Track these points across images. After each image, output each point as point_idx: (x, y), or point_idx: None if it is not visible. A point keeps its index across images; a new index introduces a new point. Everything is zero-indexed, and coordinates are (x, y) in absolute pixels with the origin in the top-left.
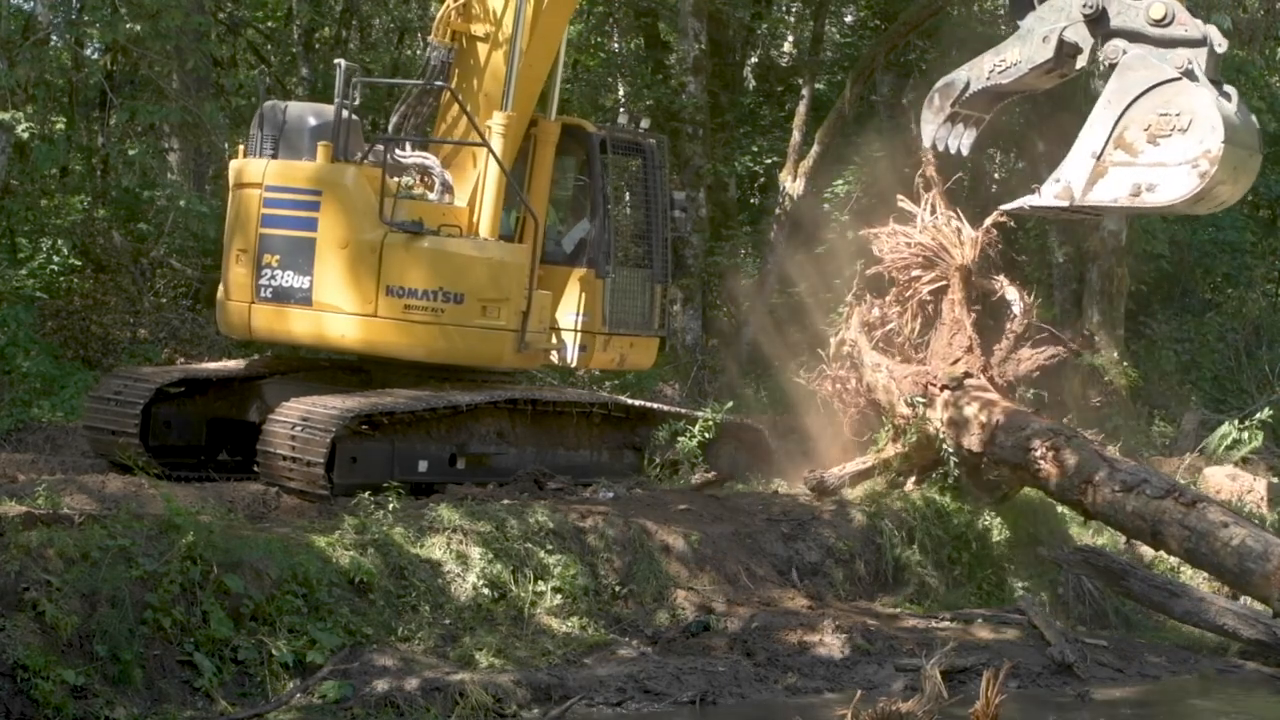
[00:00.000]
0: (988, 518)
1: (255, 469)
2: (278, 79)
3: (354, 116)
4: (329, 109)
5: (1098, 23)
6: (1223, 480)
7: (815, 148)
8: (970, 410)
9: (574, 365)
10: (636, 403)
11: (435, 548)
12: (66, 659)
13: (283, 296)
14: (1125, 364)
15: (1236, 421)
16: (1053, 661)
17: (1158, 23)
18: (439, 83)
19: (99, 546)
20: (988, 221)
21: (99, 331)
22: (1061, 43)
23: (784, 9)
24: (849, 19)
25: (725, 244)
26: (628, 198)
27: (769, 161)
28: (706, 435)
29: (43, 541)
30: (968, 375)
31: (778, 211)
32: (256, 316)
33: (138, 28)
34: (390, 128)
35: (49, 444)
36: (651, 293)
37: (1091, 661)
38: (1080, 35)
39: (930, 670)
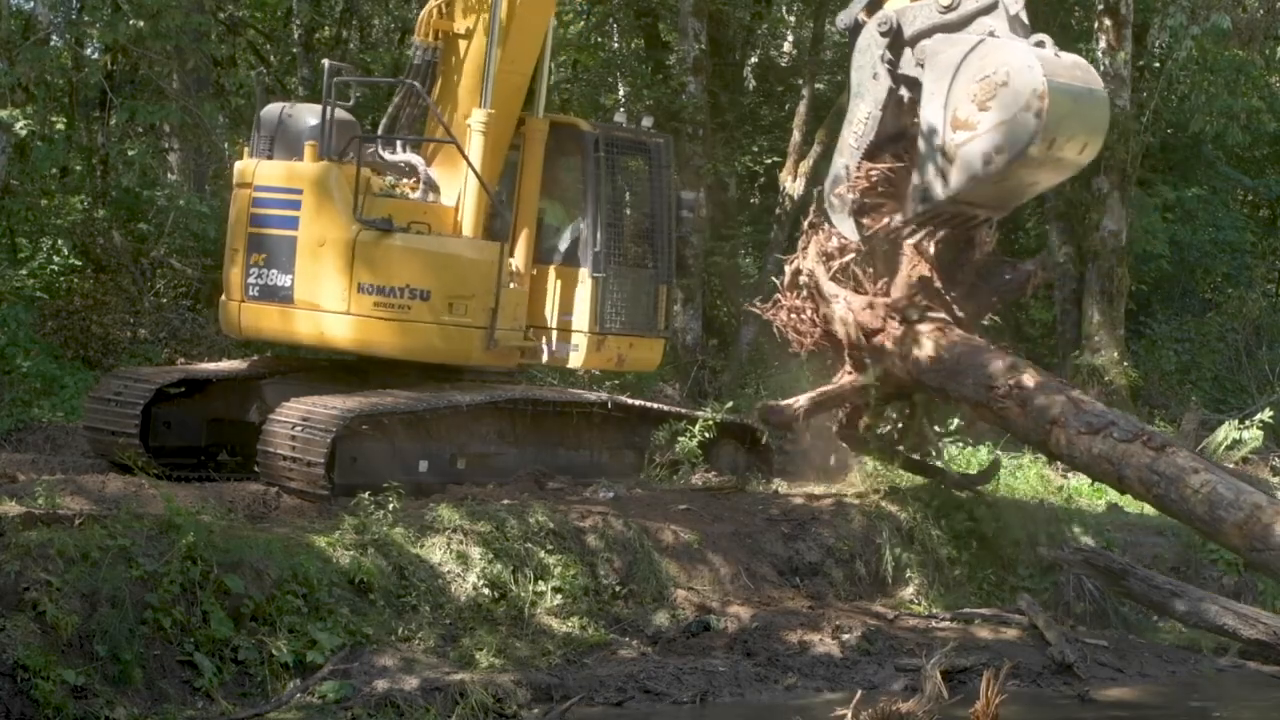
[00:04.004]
0: (987, 516)
1: (255, 469)
2: (278, 79)
3: (351, 116)
4: (339, 112)
5: (899, 36)
6: None
7: (815, 147)
8: (929, 345)
9: (568, 366)
10: (637, 402)
11: (435, 548)
12: (66, 659)
13: (268, 295)
14: (1125, 364)
15: (1237, 421)
16: (1053, 661)
17: (947, 8)
18: (408, 80)
19: (99, 546)
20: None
21: (99, 331)
22: (889, 67)
23: (784, 9)
24: None
25: (725, 244)
26: (628, 197)
27: (769, 161)
28: (707, 435)
29: (43, 541)
30: (928, 308)
31: (778, 211)
32: (245, 315)
33: (140, 24)
34: (381, 127)
35: (49, 444)
36: (655, 293)
37: (1091, 661)
38: (894, 54)
39: (930, 670)
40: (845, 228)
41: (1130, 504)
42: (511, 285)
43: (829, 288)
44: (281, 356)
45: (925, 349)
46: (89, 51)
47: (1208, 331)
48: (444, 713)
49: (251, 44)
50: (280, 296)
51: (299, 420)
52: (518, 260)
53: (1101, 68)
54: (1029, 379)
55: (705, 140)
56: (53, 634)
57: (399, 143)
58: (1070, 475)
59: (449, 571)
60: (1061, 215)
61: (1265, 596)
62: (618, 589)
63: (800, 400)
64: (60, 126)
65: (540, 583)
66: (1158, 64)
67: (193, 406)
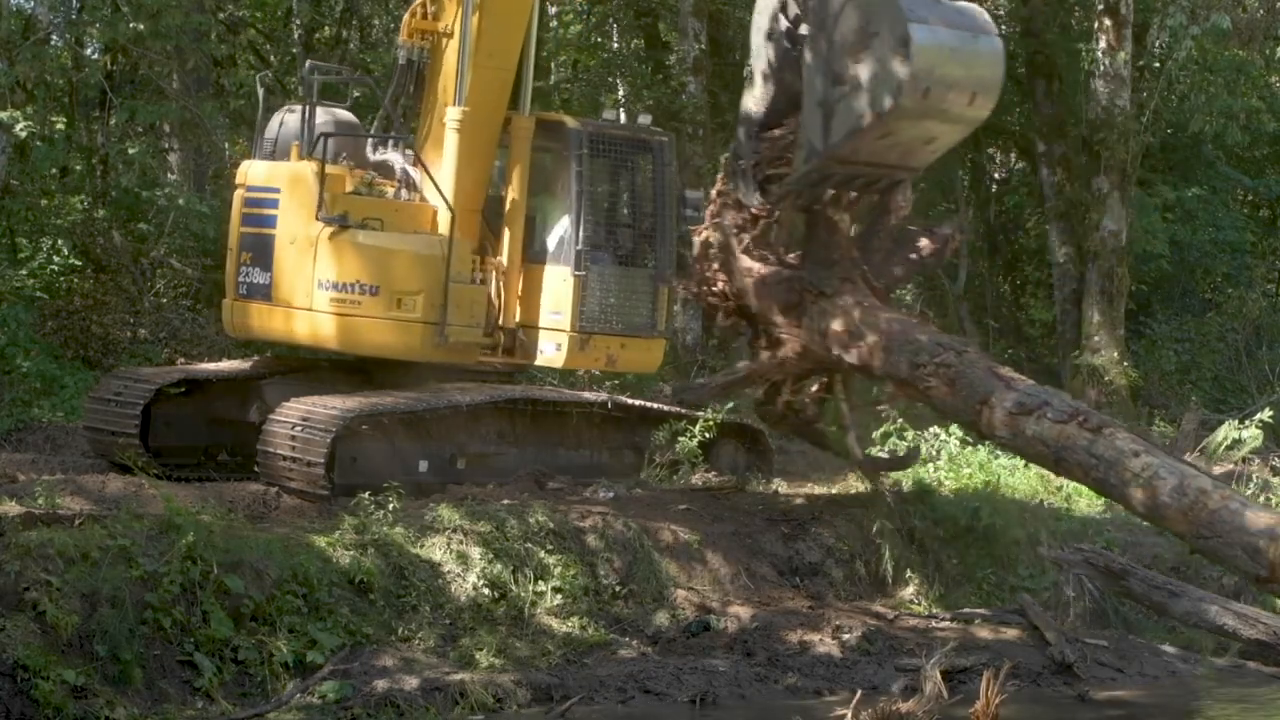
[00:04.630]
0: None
1: (256, 469)
2: (278, 79)
3: (349, 116)
4: (338, 112)
5: None
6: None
7: None
8: (848, 319)
9: (552, 365)
10: (636, 402)
11: (435, 548)
12: (67, 659)
13: (254, 293)
14: (1125, 364)
15: (1237, 421)
16: (1053, 661)
17: None
18: (366, 77)
19: (99, 546)
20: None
21: (99, 331)
22: (783, 25)
23: None
24: None
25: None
26: (626, 196)
27: None
28: (707, 435)
29: (43, 541)
30: (845, 279)
31: None
32: (235, 313)
33: (140, 24)
34: (374, 126)
35: (49, 444)
36: (654, 293)
37: (1091, 661)
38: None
39: (930, 670)
40: (752, 198)
41: None
42: (477, 282)
43: (741, 261)
44: (281, 356)
45: (844, 324)
46: (89, 51)
47: (1208, 331)
48: (444, 712)
49: (251, 44)
50: (262, 294)
51: (299, 420)
52: (505, 258)
53: (1102, 68)
54: (955, 355)
55: (705, 140)
56: (53, 634)
57: (390, 142)
58: None
59: (449, 571)
60: (1061, 215)
61: (1265, 597)
62: (618, 589)
63: (715, 380)
64: (60, 126)
65: (540, 583)
66: (1158, 64)
67: (193, 406)
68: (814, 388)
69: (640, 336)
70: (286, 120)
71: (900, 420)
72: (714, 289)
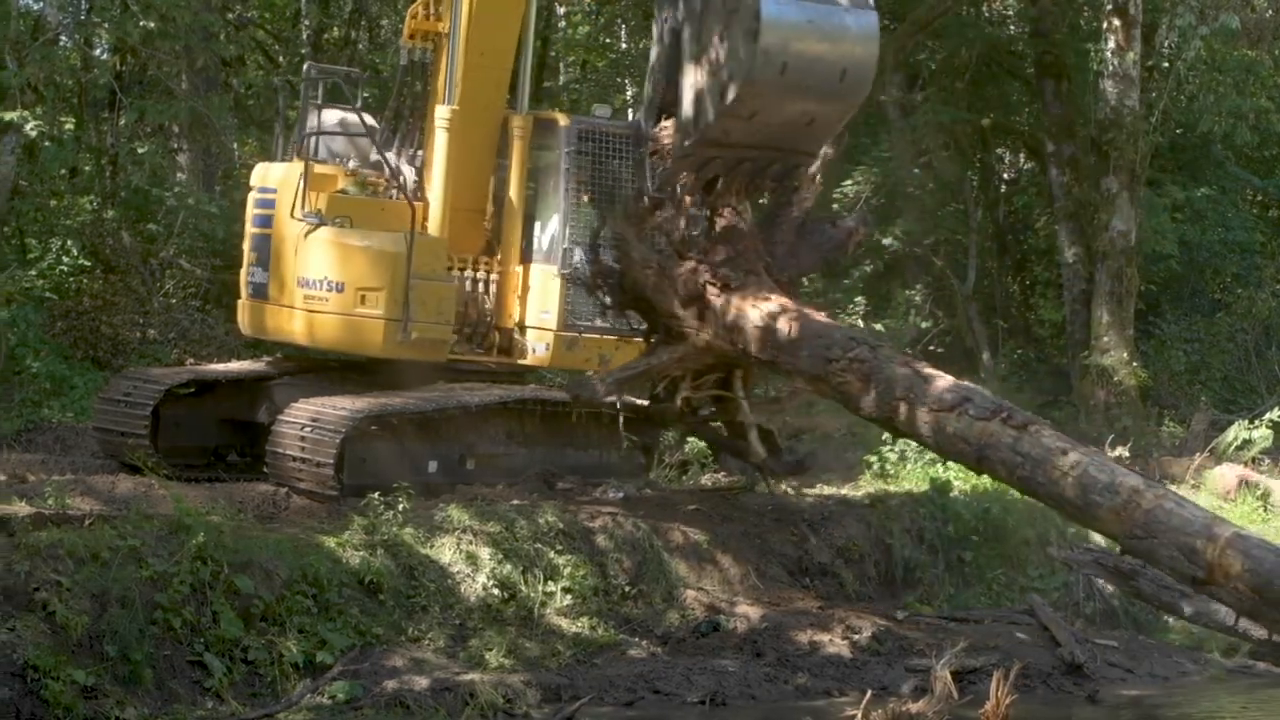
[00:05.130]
0: (999, 515)
1: (265, 470)
2: (287, 80)
3: (353, 115)
4: (349, 113)
5: None
6: (1233, 481)
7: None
8: (755, 314)
9: (541, 365)
10: (645, 402)
11: (445, 548)
12: (76, 659)
13: (257, 292)
14: (1135, 364)
15: (1246, 421)
16: (1063, 662)
17: None
18: (357, 72)
19: (109, 547)
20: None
21: (108, 332)
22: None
23: None
24: None
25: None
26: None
27: None
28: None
29: (53, 542)
30: (749, 271)
31: None
32: (243, 312)
33: (149, 26)
34: (381, 126)
35: (59, 444)
36: None
37: (1101, 662)
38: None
39: (940, 671)
40: (648, 186)
41: None
42: (451, 280)
43: (639, 251)
44: (291, 357)
45: (750, 318)
46: (98, 51)
47: (1217, 332)
48: (454, 713)
49: (260, 44)
50: (262, 293)
51: (308, 421)
52: (502, 257)
53: (1111, 68)
54: (869, 350)
55: None
56: (63, 634)
57: (390, 141)
58: None
59: (458, 572)
60: (1070, 215)
61: None
62: (627, 589)
63: (612, 373)
64: (69, 127)
65: (550, 583)
66: (1166, 64)
67: (202, 407)
68: (712, 384)
69: (638, 338)
70: (304, 123)
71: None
72: (609, 281)
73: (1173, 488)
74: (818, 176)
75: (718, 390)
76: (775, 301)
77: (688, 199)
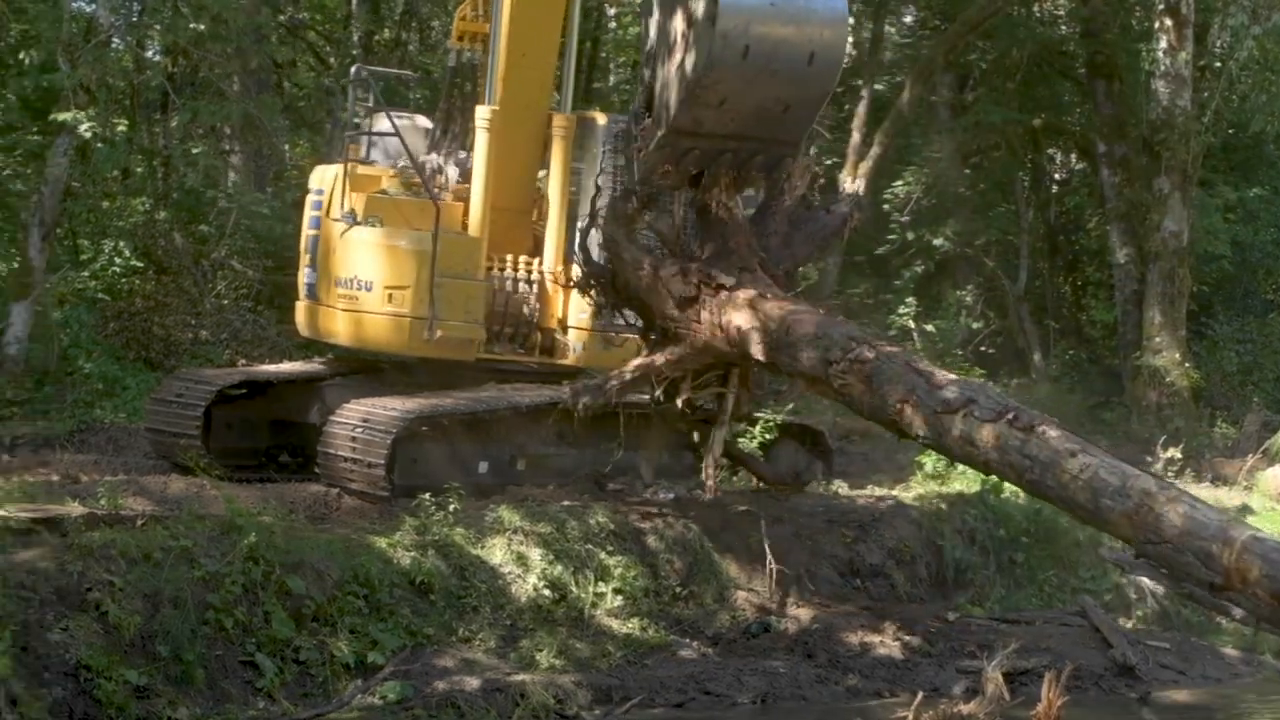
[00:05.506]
0: (1050, 516)
1: (316, 470)
2: (337, 81)
3: (408, 119)
4: (417, 119)
5: None
6: None
7: (875, 149)
8: (751, 313)
9: (579, 365)
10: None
11: (495, 549)
12: (129, 659)
13: (309, 293)
14: (1187, 365)
15: None
16: (1114, 663)
17: None
18: (414, 76)
19: (161, 547)
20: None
21: (160, 333)
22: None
23: None
24: (909, 19)
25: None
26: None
27: (829, 162)
28: (766, 436)
29: (105, 542)
30: (744, 270)
31: None
32: (299, 313)
33: (200, 27)
34: (433, 127)
35: (111, 445)
36: None
37: (1153, 664)
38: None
39: (992, 672)
40: (635, 184)
41: None
42: (483, 279)
43: (630, 253)
44: (342, 358)
45: (746, 318)
46: (150, 53)
47: (1270, 332)
48: (505, 713)
49: (312, 46)
50: (314, 294)
51: (359, 422)
52: (548, 257)
53: (1162, 68)
54: (870, 350)
55: None
56: (115, 634)
57: (440, 142)
58: None
59: (509, 573)
60: (1122, 216)
61: None
62: (678, 590)
63: (612, 378)
64: (122, 128)
65: (600, 584)
66: (1219, 64)
67: (254, 408)
68: (715, 382)
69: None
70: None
71: None
72: (600, 280)
73: (1225, 489)
74: (811, 165)
75: (719, 388)
76: (772, 300)
77: (679, 196)
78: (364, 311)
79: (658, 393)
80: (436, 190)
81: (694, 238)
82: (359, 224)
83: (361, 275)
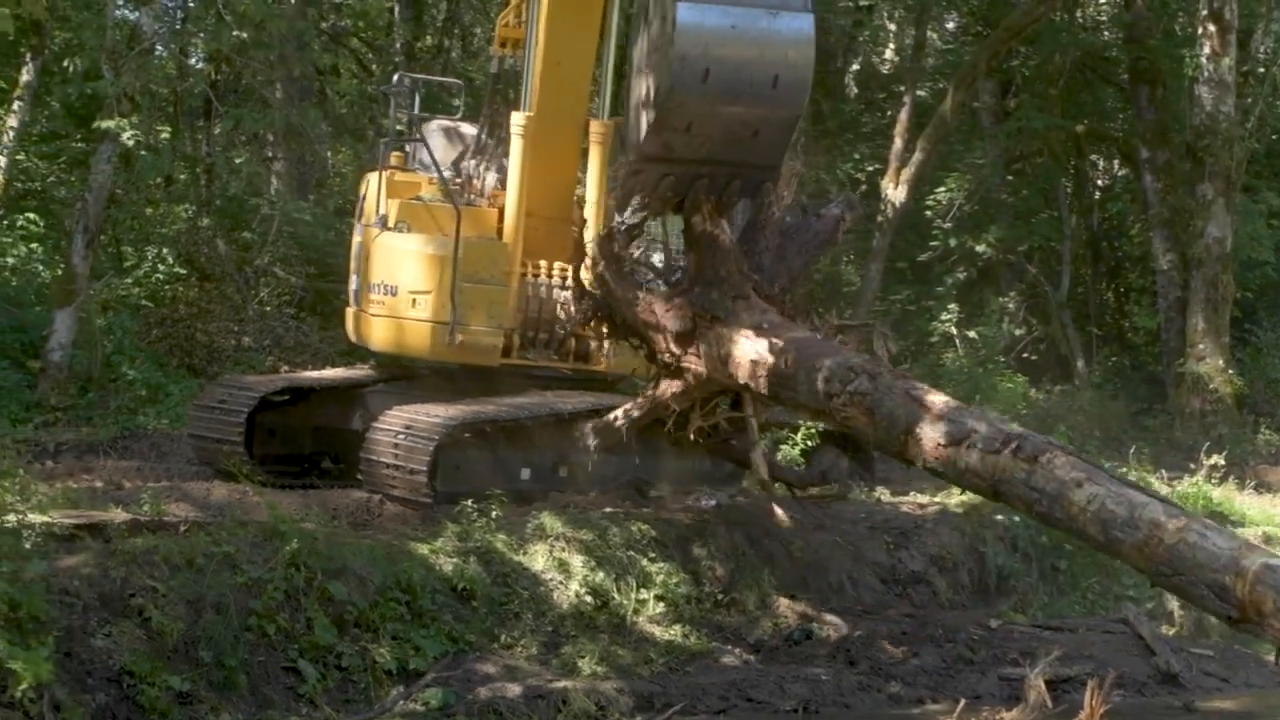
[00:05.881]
0: None
1: (358, 477)
2: (379, 87)
3: (452, 124)
4: (462, 126)
5: None
6: None
7: (917, 155)
8: (747, 346)
9: (606, 371)
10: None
11: (537, 556)
12: (172, 665)
13: (354, 299)
14: (1230, 371)
15: None
16: (1158, 671)
17: None
18: (453, 81)
19: (204, 553)
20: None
21: (204, 339)
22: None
23: (885, 16)
24: (951, 26)
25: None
26: None
27: (871, 169)
28: (808, 443)
29: (149, 548)
30: (738, 298)
31: (880, 219)
32: (347, 320)
33: (243, 35)
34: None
35: (154, 451)
36: None
37: (1197, 671)
38: None
39: (1034, 679)
40: (617, 216)
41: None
42: (504, 285)
43: (622, 289)
44: (385, 364)
45: (744, 350)
46: (193, 61)
47: None
48: None
49: (355, 53)
50: (357, 300)
51: (402, 428)
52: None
53: (1205, 74)
54: (869, 380)
55: (807, 148)
56: (158, 640)
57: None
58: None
59: (551, 579)
60: (1165, 222)
61: None
62: (720, 597)
63: (621, 416)
64: (165, 136)
65: (642, 591)
66: (1262, 69)
67: (296, 414)
68: (727, 407)
69: None
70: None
71: None
72: (601, 314)
73: (1269, 496)
74: (796, 169)
75: (731, 412)
76: (769, 331)
77: (666, 227)
78: (393, 316)
79: (669, 425)
80: (471, 196)
81: (684, 269)
82: (389, 229)
83: (390, 280)
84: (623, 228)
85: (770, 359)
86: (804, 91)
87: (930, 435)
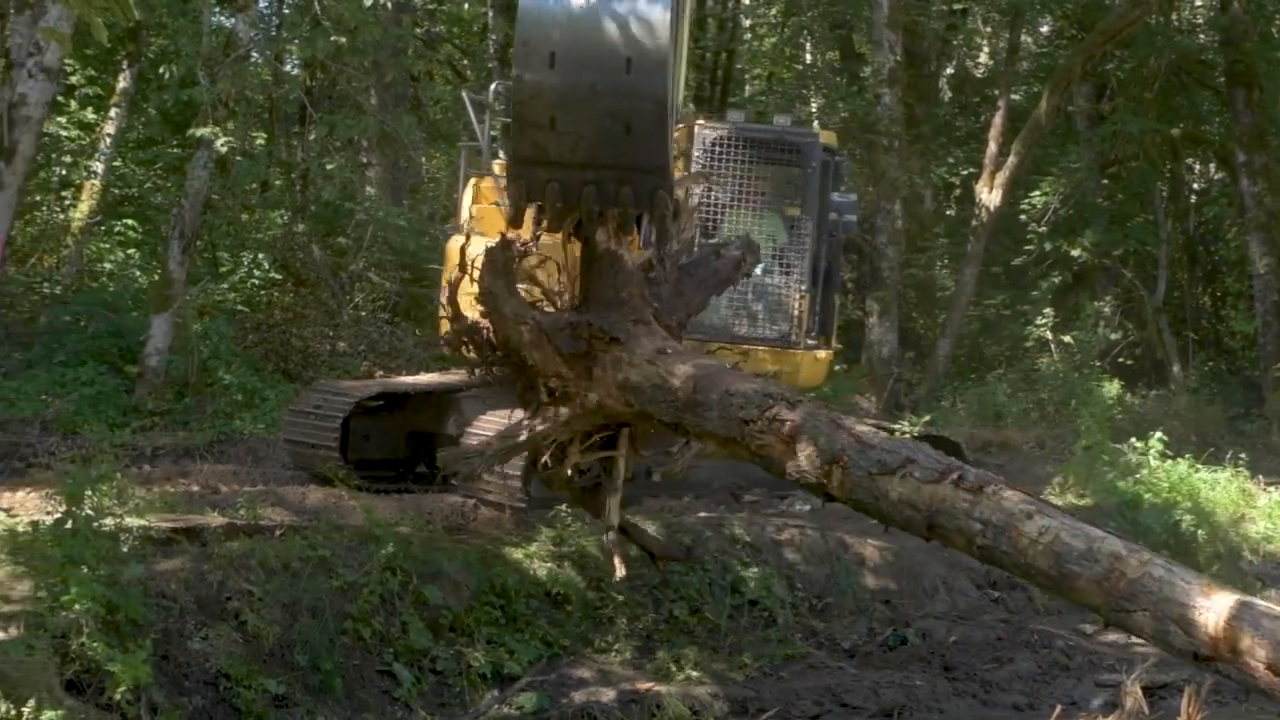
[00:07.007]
0: (1189, 529)
1: (453, 482)
2: (474, 93)
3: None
4: None
5: None
6: None
7: (1012, 159)
8: (649, 370)
9: None
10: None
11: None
12: (268, 668)
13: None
14: None
15: None
16: None
17: None
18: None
19: (300, 557)
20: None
21: (299, 344)
22: None
23: (979, 20)
24: (1045, 29)
25: (921, 256)
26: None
27: (965, 173)
28: None
29: (245, 552)
30: (638, 321)
31: (974, 223)
32: (440, 324)
33: (339, 41)
34: None
35: (250, 456)
36: (794, 303)
37: None
38: None
39: (1131, 685)
40: (508, 227)
41: None
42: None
43: (511, 306)
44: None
45: (644, 374)
46: (288, 67)
47: None
48: None
49: (449, 59)
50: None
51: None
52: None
53: None
54: (789, 408)
55: (901, 152)
56: (254, 643)
57: None
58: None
59: (644, 584)
60: (1262, 226)
61: None
62: (814, 602)
63: (491, 445)
64: (260, 142)
65: (736, 595)
66: None
67: (391, 419)
68: (600, 444)
69: (779, 349)
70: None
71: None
72: (476, 336)
73: None
74: (694, 209)
75: (606, 451)
76: (674, 356)
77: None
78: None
79: (545, 458)
80: None
81: (580, 288)
82: (456, 233)
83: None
84: (517, 240)
85: (676, 384)
86: (661, 75)
87: (859, 465)
